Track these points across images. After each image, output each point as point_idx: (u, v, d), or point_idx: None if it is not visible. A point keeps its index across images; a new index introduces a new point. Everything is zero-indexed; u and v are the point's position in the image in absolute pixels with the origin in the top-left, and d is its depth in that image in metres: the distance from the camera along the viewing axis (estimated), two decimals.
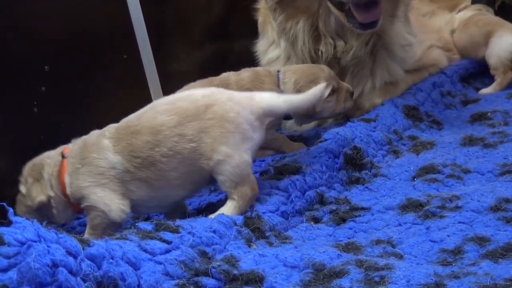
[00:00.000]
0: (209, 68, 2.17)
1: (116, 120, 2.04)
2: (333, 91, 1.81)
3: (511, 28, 2.39)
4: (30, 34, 1.79)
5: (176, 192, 1.45)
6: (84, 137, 1.49)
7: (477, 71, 2.49)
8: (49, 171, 1.45)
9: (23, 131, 1.76)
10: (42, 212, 1.45)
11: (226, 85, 1.74)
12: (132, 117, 1.49)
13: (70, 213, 1.50)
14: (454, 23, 2.63)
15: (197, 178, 1.44)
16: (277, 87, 1.81)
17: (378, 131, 1.85)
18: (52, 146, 1.82)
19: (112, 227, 1.41)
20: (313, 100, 1.54)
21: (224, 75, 1.86)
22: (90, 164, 1.41)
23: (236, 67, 2.43)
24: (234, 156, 1.40)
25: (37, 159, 1.49)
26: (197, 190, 1.56)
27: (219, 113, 1.41)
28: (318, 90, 1.55)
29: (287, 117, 1.88)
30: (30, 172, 1.48)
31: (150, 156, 1.38)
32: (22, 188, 1.48)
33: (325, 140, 1.69)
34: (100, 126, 1.98)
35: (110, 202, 1.39)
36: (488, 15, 2.58)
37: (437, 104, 2.12)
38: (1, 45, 1.71)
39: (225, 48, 2.57)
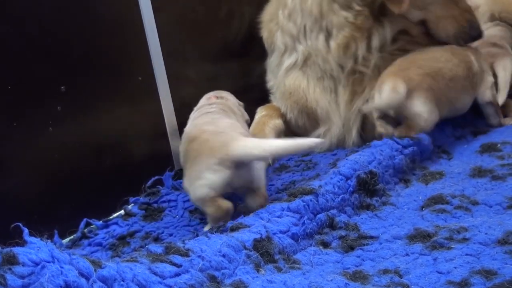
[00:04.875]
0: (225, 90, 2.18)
1: (129, 139, 2.08)
2: None
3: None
4: (47, 55, 1.81)
5: None
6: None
7: None
8: None
9: (38, 150, 1.78)
10: None
11: None
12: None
13: None
14: None
15: None
16: None
17: (404, 155, 1.86)
18: (67, 165, 1.85)
19: None
20: (294, 152, 1.69)
21: None
22: None
23: (254, 88, 2.45)
24: (190, 191, 1.65)
25: None
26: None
27: (194, 147, 1.66)
28: (308, 143, 1.62)
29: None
30: None
31: None
32: None
33: (338, 166, 1.70)
34: (114, 146, 2.02)
35: None
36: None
37: (448, 137, 2.13)
38: (19, 65, 1.73)
39: (240, 69, 2.58)
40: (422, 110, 1.94)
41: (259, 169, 1.66)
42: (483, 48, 2.37)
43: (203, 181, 1.60)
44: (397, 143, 1.87)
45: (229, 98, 2.04)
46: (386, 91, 1.92)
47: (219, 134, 1.65)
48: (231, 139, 1.62)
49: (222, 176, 1.58)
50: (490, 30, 2.56)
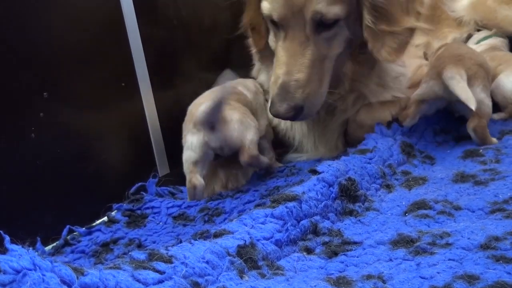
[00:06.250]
0: None
1: (112, 146, 2.07)
2: None
3: None
4: (30, 61, 1.80)
5: None
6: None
7: None
8: None
9: (20, 156, 1.77)
10: None
11: None
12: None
13: None
14: None
15: None
16: None
17: (373, 163, 1.87)
18: (50, 171, 1.84)
19: None
20: None
21: None
22: None
23: None
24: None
25: None
26: None
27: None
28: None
29: None
30: None
31: None
32: None
33: (319, 172, 1.71)
34: (97, 153, 2.02)
35: None
36: (497, 52, 2.56)
37: (429, 143, 2.14)
38: (0, 72, 1.72)
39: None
40: (483, 96, 2.05)
41: (234, 129, 1.94)
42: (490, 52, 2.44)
43: (187, 144, 1.95)
44: (363, 157, 1.89)
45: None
46: (449, 78, 2.01)
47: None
48: (199, 105, 1.96)
49: (198, 137, 1.92)
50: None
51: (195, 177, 1.95)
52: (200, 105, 1.94)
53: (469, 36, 2.78)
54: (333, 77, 2.04)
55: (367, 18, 1.91)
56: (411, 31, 2.00)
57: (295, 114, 1.93)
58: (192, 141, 1.95)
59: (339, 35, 1.97)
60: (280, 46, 1.97)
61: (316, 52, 1.93)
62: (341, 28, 1.96)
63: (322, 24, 1.91)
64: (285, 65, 1.92)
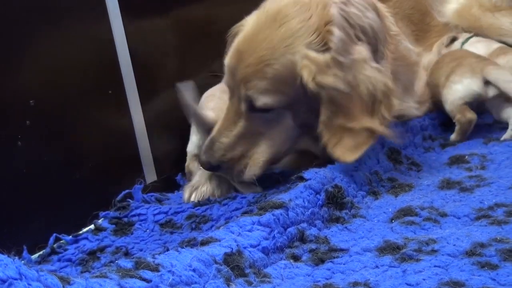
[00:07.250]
0: None
1: (99, 153, 2.07)
2: None
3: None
4: (16, 69, 1.80)
5: None
6: None
7: None
8: None
9: (7, 164, 1.76)
10: None
11: None
12: None
13: None
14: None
15: None
16: None
17: (359, 171, 1.87)
18: (36, 179, 1.84)
19: None
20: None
21: None
22: None
23: None
24: None
25: None
26: None
27: None
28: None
29: None
30: None
31: None
32: None
33: (306, 179, 1.71)
34: (84, 160, 2.01)
35: None
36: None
37: (417, 148, 2.15)
38: None
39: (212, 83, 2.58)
40: None
41: None
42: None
43: (191, 140, 2.21)
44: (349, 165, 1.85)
45: None
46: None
47: None
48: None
49: (197, 138, 2.16)
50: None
51: (192, 164, 2.20)
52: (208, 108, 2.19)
53: (453, 39, 2.77)
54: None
55: (324, 112, 1.78)
56: (372, 132, 1.81)
57: (210, 168, 2.00)
58: (194, 140, 2.20)
59: (280, 120, 1.91)
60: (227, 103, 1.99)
61: (249, 128, 1.91)
62: (282, 115, 1.90)
63: (255, 107, 1.87)
64: (220, 123, 1.95)
